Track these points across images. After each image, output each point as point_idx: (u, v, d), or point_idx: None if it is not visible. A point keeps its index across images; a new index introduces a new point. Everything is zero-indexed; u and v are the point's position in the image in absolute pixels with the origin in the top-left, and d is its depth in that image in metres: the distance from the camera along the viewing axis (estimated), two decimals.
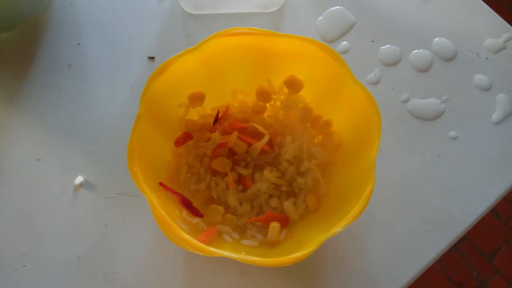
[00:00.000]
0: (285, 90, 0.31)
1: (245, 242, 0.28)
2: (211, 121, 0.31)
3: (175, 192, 0.28)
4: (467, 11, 0.37)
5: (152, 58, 0.35)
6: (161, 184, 0.28)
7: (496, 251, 1.18)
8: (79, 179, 0.32)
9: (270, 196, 0.30)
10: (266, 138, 0.30)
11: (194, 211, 0.28)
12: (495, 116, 0.33)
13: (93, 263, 0.30)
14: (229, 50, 0.29)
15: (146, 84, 0.27)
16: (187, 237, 0.24)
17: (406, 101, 0.34)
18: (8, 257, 0.30)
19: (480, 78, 0.34)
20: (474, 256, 1.19)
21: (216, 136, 0.30)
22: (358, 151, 0.28)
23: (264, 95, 0.31)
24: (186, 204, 0.28)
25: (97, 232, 0.31)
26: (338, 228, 0.24)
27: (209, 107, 0.31)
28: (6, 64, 0.35)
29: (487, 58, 0.35)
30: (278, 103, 0.31)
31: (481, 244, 1.20)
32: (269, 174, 0.30)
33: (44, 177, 0.32)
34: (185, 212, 0.28)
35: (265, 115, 0.32)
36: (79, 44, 0.36)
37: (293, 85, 0.30)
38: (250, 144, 0.30)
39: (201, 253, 0.24)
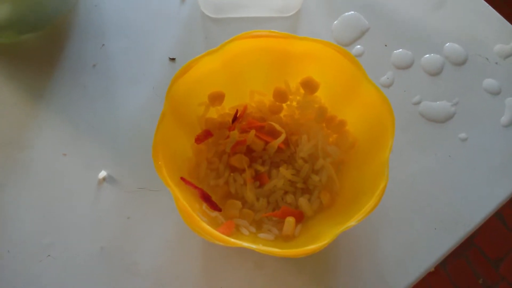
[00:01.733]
0: (301, 91, 0.32)
1: (261, 235, 0.29)
2: (230, 120, 0.32)
3: (195, 187, 0.30)
4: (477, 17, 0.38)
5: (173, 59, 0.37)
6: (182, 178, 0.29)
7: (502, 258, 1.18)
8: (102, 174, 0.33)
9: (286, 193, 0.31)
10: (282, 137, 0.31)
11: (213, 205, 0.30)
12: (504, 119, 0.34)
13: (115, 254, 0.31)
14: (249, 52, 0.31)
15: (170, 83, 0.28)
16: (209, 228, 0.25)
17: (417, 103, 0.35)
18: (33, 247, 0.32)
19: (489, 82, 0.35)
20: (481, 262, 1.19)
21: (235, 134, 0.31)
22: (371, 150, 0.29)
23: (281, 96, 0.32)
24: (206, 198, 0.30)
25: (119, 224, 0.32)
26: (352, 222, 0.25)
27: (228, 106, 0.32)
28: (33, 63, 0.37)
29: (496, 63, 0.36)
30: (294, 103, 0.33)
31: (487, 251, 1.20)
32: (285, 171, 0.31)
33: (69, 171, 0.33)
34: (204, 206, 0.29)
35: (282, 114, 0.33)
36: (103, 45, 0.37)
37: (309, 86, 0.32)
38: (267, 142, 0.32)
39: (221, 243, 0.25)
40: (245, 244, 0.25)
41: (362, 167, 0.29)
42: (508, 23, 0.38)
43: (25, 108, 0.35)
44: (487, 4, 0.38)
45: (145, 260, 0.31)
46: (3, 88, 0.36)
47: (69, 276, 0.31)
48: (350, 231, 0.31)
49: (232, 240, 0.25)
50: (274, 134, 0.32)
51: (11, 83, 0.36)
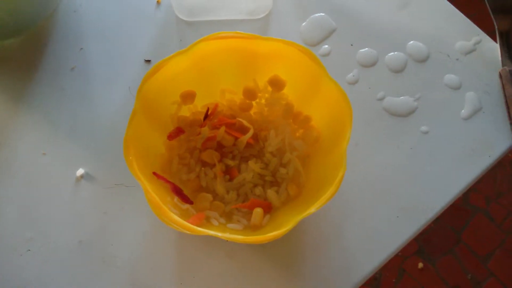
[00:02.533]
0: (269, 89, 0.34)
1: (230, 225, 0.30)
2: (201, 117, 0.34)
3: (167, 181, 0.31)
4: (440, 16, 0.40)
5: (148, 61, 0.38)
6: (154, 173, 0.31)
7: (490, 254, 1.20)
8: (80, 171, 0.35)
9: (255, 185, 0.33)
10: (250, 132, 0.33)
11: (185, 198, 0.31)
12: (464, 112, 0.36)
13: (93, 247, 0.33)
14: (217, 53, 0.32)
15: (141, 83, 0.30)
16: (175, 217, 0.27)
17: (381, 99, 0.37)
18: (14, 242, 0.33)
19: (450, 77, 0.37)
20: (469, 259, 1.21)
21: (206, 131, 0.33)
22: (333, 143, 0.30)
23: (250, 94, 0.34)
24: (177, 191, 0.31)
25: (97, 219, 0.34)
26: (312, 209, 0.27)
27: (199, 105, 0.34)
28: (13, 67, 0.38)
29: (457, 59, 0.38)
30: (263, 100, 0.34)
31: (475, 247, 1.22)
32: (254, 165, 0.33)
33: (48, 169, 0.35)
34: (176, 199, 0.31)
35: (251, 112, 0.35)
36: (81, 48, 0.39)
37: (276, 84, 0.33)
38: (236, 138, 0.33)
39: (188, 232, 0.27)
40: (211, 232, 0.27)
41: (325, 159, 0.31)
42: (469, 21, 0.39)
43: (6, 109, 0.37)
44: (449, 3, 0.40)
45: (122, 253, 0.33)
46: None
47: (49, 269, 0.32)
48: (316, 220, 0.32)
49: (198, 228, 0.27)
50: (244, 130, 0.34)
51: None
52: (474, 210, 1.25)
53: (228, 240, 0.27)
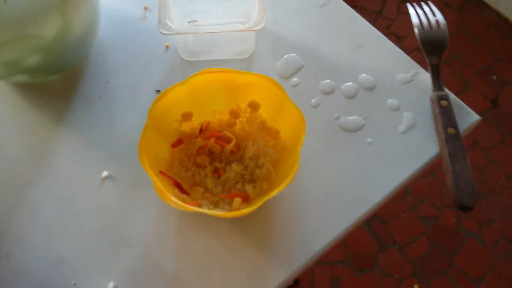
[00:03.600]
0: (248, 110, 0.45)
1: (217, 210, 0.41)
2: (197, 132, 0.45)
3: (170, 177, 0.42)
4: (386, 55, 0.51)
5: (158, 91, 0.50)
6: (160, 172, 0.42)
7: (482, 276, 1.27)
8: (105, 173, 0.46)
9: (236, 182, 0.43)
10: (233, 142, 0.44)
11: (183, 190, 0.42)
12: (401, 128, 0.47)
13: (114, 230, 0.43)
14: (208, 83, 0.44)
15: (151, 105, 0.41)
16: (174, 198, 0.37)
17: (337, 118, 0.47)
18: (54, 226, 0.44)
19: (392, 102, 0.48)
20: (462, 281, 1.27)
21: (200, 141, 0.44)
22: (294, 149, 0.41)
23: (234, 114, 0.45)
24: (177, 185, 0.42)
25: (117, 209, 0.44)
26: (274, 193, 0.37)
27: (195, 122, 0.45)
28: (55, 97, 0.50)
29: (398, 87, 0.49)
30: (244, 119, 0.45)
31: (468, 270, 1.28)
32: (236, 167, 0.43)
33: (80, 173, 0.46)
34: (176, 191, 0.41)
35: (235, 128, 0.46)
36: (107, 82, 0.51)
37: (253, 106, 0.44)
38: (223, 147, 0.44)
39: (183, 209, 0.37)
40: (199, 209, 0.37)
41: (288, 160, 0.42)
42: (409, 58, 0.50)
43: (49, 128, 0.48)
44: (394, 45, 0.51)
45: (135, 234, 0.43)
46: (32, 115, 0.49)
47: (80, 247, 0.43)
48: (284, 207, 0.43)
49: (189, 206, 0.37)
50: (229, 140, 0.45)
51: (39, 110, 0.49)
52: (467, 235, 1.33)
53: (211, 215, 0.37)
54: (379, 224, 1.33)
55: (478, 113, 0.48)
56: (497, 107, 1.49)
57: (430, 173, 1.40)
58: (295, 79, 0.50)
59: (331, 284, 1.26)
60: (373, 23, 1.61)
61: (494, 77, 1.54)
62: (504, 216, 1.34)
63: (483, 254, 1.30)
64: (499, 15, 1.65)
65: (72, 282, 0.41)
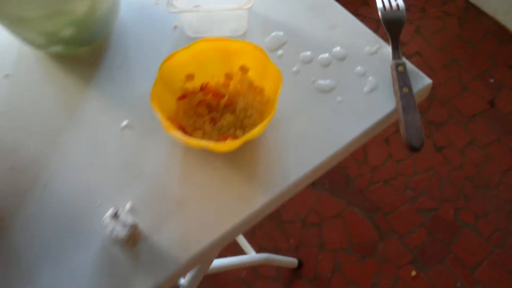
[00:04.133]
0: (240, 73, 0.55)
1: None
2: (198, 89, 0.56)
3: (175, 122, 0.53)
4: (356, 33, 0.61)
5: None
6: (168, 118, 0.52)
7: (478, 264, 1.34)
8: (124, 123, 0.57)
9: (229, 128, 0.54)
10: (226, 97, 0.54)
11: (186, 133, 0.52)
12: (366, 89, 0.57)
13: (132, 166, 0.54)
14: (207, 50, 0.55)
15: (160, 65, 0.52)
16: (176, 131, 0.48)
17: (313, 82, 0.58)
18: (83, 162, 0.55)
19: (359, 69, 0.58)
20: (459, 268, 1.35)
21: (200, 96, 0.55)
22: (275, 102, 0.52)
23: (228, 76, 0.56)
24: (181, 128, 0.53)
25: (136, 151, 0.55)
26: (255, 131, 0.48)
27: (197, 82, 0.56)
28: (84, 65, 0.62)
29: (364, 58, 0.59)
30: (236, 80, 0.56)
31: (465, 259, 1.36)
32: (229, 117, 0.54)
33: (104, 122, 0.57)
34: (180, 133, 0.52)
35: (230, 87, 0.56)
36: (126, 55, 0.62)
37: (244, 69, 0.55)
38: (219, 101, 0.55)
39: (183, 141, 0.48)
40: (196, 140, 0.48)
41: (270, 111, 0.52)
42: (375, 35, 0.61)
43: (79, 91, 0.60)
44: (363, 24, 0.62)
45: (149, 168, 0.54)
46: (65, 79, 0.61)
47: (104, 177, 0.54)
48: (266, 149, 0.53)
49: (189, 138, 0.48)
50: (224, 97, 0.55)
51: (70, 76, 0.61)
52: (464, 226, 1.40)
53: (205, 146, 0.48)
54: (380, 215, 1.42)
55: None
56: (493, 108, 1.57)
57: (430, 168, 1.48)
58: (280, 51, 0.60)
59: (333, 269, 1.35)
60: (375, 30, 1.72)
61: (492, 80, 1.63)
62: (499, 209, 1.41)
63: (479, 244, 1.38)
64: (496, 23, 1.74)
65: (98, 203, 0.52)
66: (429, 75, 1.61)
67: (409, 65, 0.57)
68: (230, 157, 0.54)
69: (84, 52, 0.62)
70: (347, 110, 0.55)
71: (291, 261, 1.31)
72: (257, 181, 0.52)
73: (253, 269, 1.35)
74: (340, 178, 1.49)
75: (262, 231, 1.40)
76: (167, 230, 0.51)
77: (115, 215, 0.50)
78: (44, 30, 0.55)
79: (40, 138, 0.57)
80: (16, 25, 0.55)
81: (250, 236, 1.39)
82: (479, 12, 1.77)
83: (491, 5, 1.74)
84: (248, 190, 0.52)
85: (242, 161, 0.53)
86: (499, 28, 1.74)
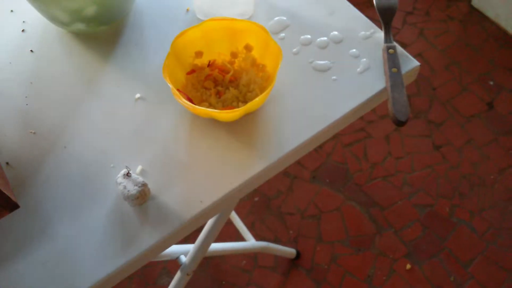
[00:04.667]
0: (244, 51, 0.61)
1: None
2: (206, 65, 0.61)
3: (185, 94, 0.58)
4: (352, 19, 0.66)
5: None
6: (178, 90, 0.58)
7: (472, 260, 1.38)
8: (137, 95, 0.62)
9: (233, 101, 0.59)
10: (231, 72, 0.60)
11: (193, 103, 0.58)
12: (359, 69, 0.62)
13: (143, 132, 0.60)
14: (215, 29, 0.60)
15: (172, 41, 0.58)
16: (184, 100, 0.54)
17: (311, 62, 0.63)
18: (100, 128, 0.60)
19: (354, 51, 0.63)
20: (452, 263, 1.39)
21: (207, 70, 0.60)
22: (274, 75, 0.57)
23: (234, 54, 0.61)
24: (190, 100, 0.58)
25: (147, 120, 0.60)
26: (256, 100, 0.53)
27: (205, 59, 0.61)
28: (103, 43, 0.67)
29: (359, 42, 0.64)
30: (241, 58, 0.61)
31: (458, 254, 1.40)
32: (233, 90, 0.60)
33: (120, 94, 0.63)
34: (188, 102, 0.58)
35: (235, 65, 0.62)
36: (141, 34, 0.68)
37: (248, 48, 0.61)
38: (224, 76, 0.60)
39: (190, 109, 0.53)
40: (201, 107, 0.53)
41: (271, 85, 0.57)
42: (369, 21, 0.66)
43: (97, 67, 0.65)
44: (359, 11, 0.67)
45: (159, 135, 0.59)
46: (86, 55, 0.67)
47: (118, 143, 0.59)
48: (264, 120, 0.58)
49: (195, 106, 0.53)
50: (228, 72, 0.61)
51: (90, 52, 0.67)
52: (459, 222, 1.44)
53: (210, 115, 0.53)
54: (378, 210, 1.47)
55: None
56: (492, 110, 1.62)
57: (428, 166, 1.53)
58: (282, 34, 0.66)
59: (330, 261, 1.40)
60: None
61: (491, 83, 1.67)
62: (494, 206, 1.45)
63: (473, 240, 1.42)
64: (498, 27, 1.79)
65: (112, 165, 0.58)
66: (430, 76, 1.66)
67: (399, 49, 0.63)
68: (232, 127, 0.59)
69: (103, 30, 0.68)
70: (341, 88, 0.61)
71: (289, 251, 1.35)
72: (256, 150, 0.57)
73: (252, 258, 1.39)
74: (340, 173, 1.53)
75: (263, 223, 1.45)
76: (173, 191, 0.56)
77: (127, 175, 0.55)
78: (69, 7, 0.61)
79: (61, 106, 0.63)
80: (45, 2, 0.60)
81: (251, 227, 1.44)
82: (482, 17, 1.82)
83: (493, 10, 1.78)
84: (248, 158, 0.57)
85: (243, 131, 0.59)
86: (500, 32, 1.79)
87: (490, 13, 1.81)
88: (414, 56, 1.65)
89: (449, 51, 1.75)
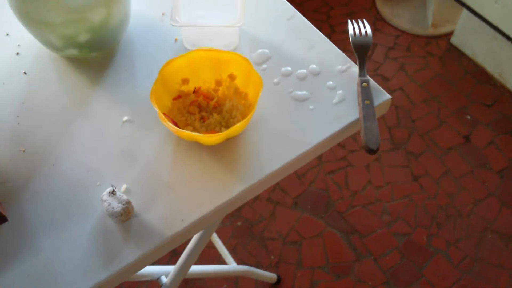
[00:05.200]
0: (228, 80, 0.65)
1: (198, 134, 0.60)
2: (192, 91, 0.65)
3: (170, 118, 0.62)
4: (329, 53, 0.71)
5: None
6: (164, 114, 0.62)
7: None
8: (125, 118, 0.66)
9: (216, 126, 0.63)
10: (215, 99, 0.64)
11: (178, 127, 0.61)
12: (335, 100, 0.66)
13: (129, 152, 0.63)
14: (201, 58, 0.64)
15: (161, 68, 0.62)
16: (169, 123, 0.57)
17: (291, 92, 0.67)
18: (87, 147, 0.63)
19: (330, 83, 0.68)
20: None
21: (192, 96, 0.64)
22: (255, 103, 0.61)
23: (218, 82, 0.65)
24: (175, 123, 0.62)
25: (133, 141, 0.64)
26: (237, 126, 0.57)
27: (191, 86, 0.65)
28: (94, 67, 0.71)
29: (336, 74, 0.69)
30: (225, 86, 0.65)
31: (435, 282, 1.43)
32: (216, 116, 0.63)
33: (108, 116, 0.66)
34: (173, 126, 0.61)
35: (219, 92, 0.66)
36: (132, 60, 0.72)
37: (231, 77, 0.65)
38: (208, 102, 0.64)
39: (175, 132, 0.57)
40: (184, 131, 0.57)
41: (251, 112, 0.61)
42: (345, 55, 0.71)
43: (88, 87, 0.69)
44: (335, 46, 0.72)
45: (144, 156, 0.62)
46: (77, 79, 0.70)
47: (104, 162, 0.62)
48: (245, 145, 0.62)
49: (180, 129, 0.57)
50: (213, 99, 0.65)
51: (81, 76, 0.70)
52: (435, 252, 1.48)
53: (194, 138, 0.57)
54: (357, 237, 1.50)
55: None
56: (469, 143, 1.67)
57: (407, 195, 1.57)
58: (264, 65, 0.70)
59: (310, 286, 1.42)
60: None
61: (468, 117, 1.74)
62: (469, 237, 1.50)
63: (449, 269, 1.45)
64: (475, 65, 1.87)
65: (97, 183, 0.61)
66: (410, 109, 1.72)
67: (372, 82, 0.67)
68: (215, 151, 0.62)
69: (95, 56, 0.72)
70: (318, 117, 0.65)
71: (270, 276, 1.37)
72: (237, 172, 0.61)
73: (233, 282, 1.41)
74: (322, 200, 1.57)
75: (245, 248, 1.47)
76: (156, 209, 0.59)
77: (113, 192, 0.58)
78: (63, 34, 0.64)
79: (51, 126, 0.66)
80: (40, 28, 0.64)
81: (233, 251, 1.46)
82: (460, 54, 1.90)
83: (471, 48, 1.87)
84: (228, 179, 0.60)
85: (224, 154, 0.62)
86: (477, 69, 1.87)
87: (468, 51, 1.89)
88: (395, 90, 1.71)
89: (428, 85, 1.82)
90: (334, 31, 1.97)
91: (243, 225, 1.52)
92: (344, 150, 1.66)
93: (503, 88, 1.81)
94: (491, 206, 1.55)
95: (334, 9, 2.05)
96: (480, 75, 1.85)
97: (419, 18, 1.99)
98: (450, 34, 1.94)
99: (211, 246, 1.38)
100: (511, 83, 1.78)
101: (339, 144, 1.68)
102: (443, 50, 1.93)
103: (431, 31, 1.95)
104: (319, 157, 1.65)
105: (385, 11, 2.02)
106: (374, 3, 2.07)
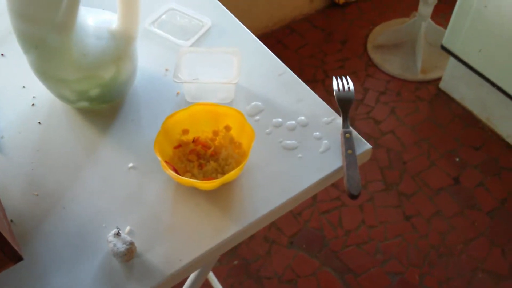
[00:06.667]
0: (224, 130, 0.72)
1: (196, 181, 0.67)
2: (191, 141, 0.72)
3: (171, 165, 0.68)
4: (317, 106, 0.78)
5: None
6: (165, 161, 0.68)
7: None
8: (130, 164, 0.72)
9: (213, 173, 0.70)
10: (212, 148, 0.71)
11: (178, 174, 0.68)
12: (321, 149, 0.73)
13: (133, 197, 0.69)
14: (201, 111, 0.71)
15: (164, 120, 0.69)
16: (171, 171, 0.64)
17: (281, 142, 0.74)
18: (96, 191, 0.70)
19: (317, 134, 0.75)
20: None
21: (192, 146, 0.71)
22: (247, 153, 0.68)
23: (215, 133, 0.72)
24: (175, 170, 0.68)
25: (137, 186, 0.70)
26: (231, 173, 0.64)
27: (191, 136, 0.72)
28: (103, 118, 0.78)
29: (322, 126, 0.76)
30: (221, 136, 0.72)
31: None
32: (213, 163, 0.70)
33: (114, 163, 0.73)
34: (174, 173, 0.68)
35: (216, 141, 0.73)
36: (138, 111, 0.79)
37: (227, 128, 0.72)
38: (206, 151, 0.71)
39: (176, 179, 0.63)
40: (184, 178, 0.63)
41: (245, 160, 0.68)
42: (330, 108, 0.78)
43: (97, 136, 0.76)
44: (322, 100, 0.79)
45: (147, 200, 0.69)
46: (87, 128, 0.77)
47: (111, 205, 0.68)
48: (239, 190, 0.68)
49: (180, 176, 0.63)
50: (210, 148, 0.72)
51: (91, 126, 0.77)
52: None
53: (192, 184, 0.63)
54: (352, 276, 1.54)
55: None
56: (458, 184, 1.74)
57: (399, 235, 1.62)
58: (257, 117, 0.78)
59: None
60: (355, 108, 1.92)
61: (457, 159, 1.81)
62: (461, 276, 1.54)
63: None
64: (464, 109, 1.95)
65: (104, 225, 0.67)
66: (401, 151, 1.79)
67: (355, 133, 0.74)
68: (212, 195, 0.69)
69: (104, 107, 0.79)
70: (305, 164, 0.71)
71: None
72: (231, 215, 0.67)
73: None
74: (316, 239, 1.62)
75: (241, 286, 1.51)
76: (157, 250, 0.65)
77: (117, 234, 0.64)
78: (76, 89, 0.72)
79: (62, 172, 0.72)
80: (55, 83, 0.72)
81: None
82: (449, 98, 1.99)
83: (459, 92, 1.95)
84: (224, 221, 0.67)
85: (220, 198, 0.69)
86: (466, 113, 1.95)
87: (456, 95, 1.98)
88: (387, 132, 1.79)
89: (419, 128, 1.89)
90: (328, 76, 2.06)
91: (239, 263, 1.56)
92: (338, 190, 1.72)
93: (491, 131, 1.88)
94: (481, 245, 1.60)
95: (328, 55, 2.16)
96: (468, 119, 1.93)
97: (408, 64, 2.09)
98: (438, 79, 2.04)
99: (208, 285, 1.42)
100: (499, 126, 1.86)
101: (332, 185, 1.74)
102: (432, 95, 2.01)
103: (420, 77, 2.05)
104: (314, 197, 1.70)
105: (376, 57, 2.12)
106: (365, 50, 2.18)
